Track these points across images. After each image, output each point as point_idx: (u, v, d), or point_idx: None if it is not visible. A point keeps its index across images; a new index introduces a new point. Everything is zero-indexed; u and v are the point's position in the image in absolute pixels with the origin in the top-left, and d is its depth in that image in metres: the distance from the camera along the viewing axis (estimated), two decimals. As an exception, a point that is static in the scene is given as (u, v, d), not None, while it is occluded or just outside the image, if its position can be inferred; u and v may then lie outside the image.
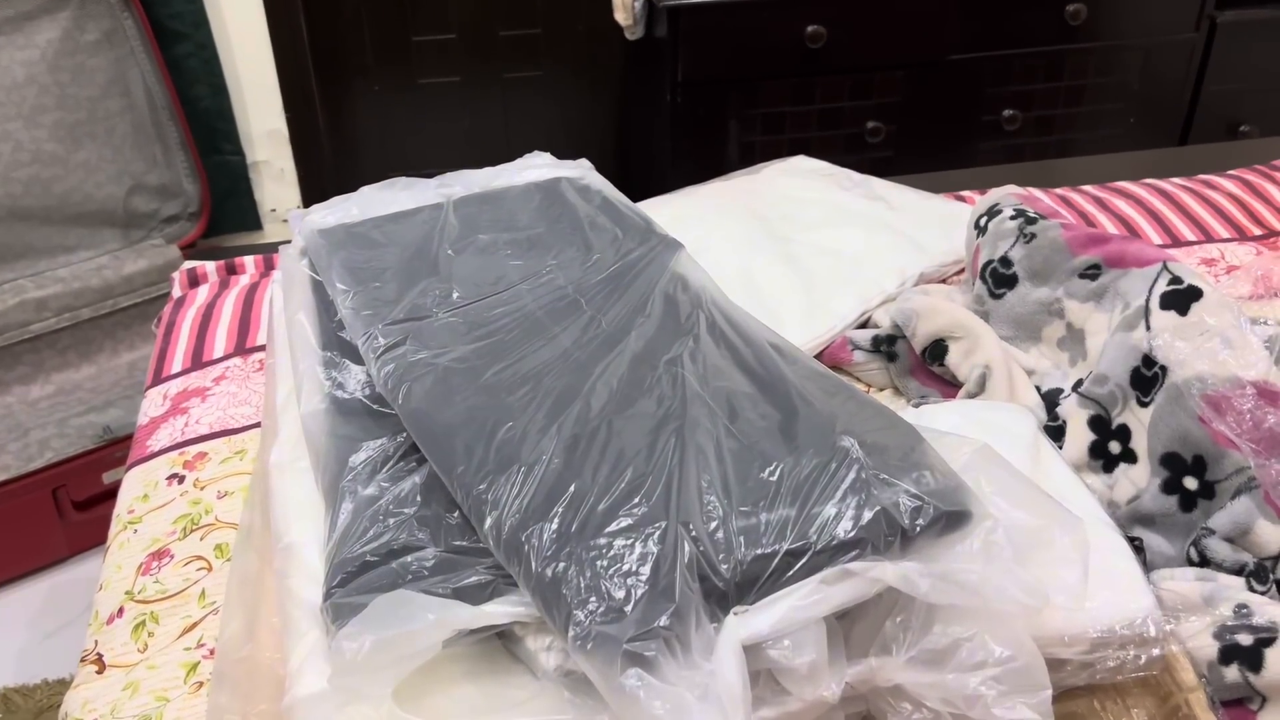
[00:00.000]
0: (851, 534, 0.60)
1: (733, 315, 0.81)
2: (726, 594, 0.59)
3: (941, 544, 0.61)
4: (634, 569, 0.59)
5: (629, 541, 0.60)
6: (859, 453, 0.65)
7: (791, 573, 0.59)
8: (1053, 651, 0.65)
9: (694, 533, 0.60)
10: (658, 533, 0.60)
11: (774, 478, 0.64)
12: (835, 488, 0.63)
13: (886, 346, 0.99)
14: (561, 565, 0.60)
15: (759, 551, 0.60)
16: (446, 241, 0.92)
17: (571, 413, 0.70)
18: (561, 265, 0.89)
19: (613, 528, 0.61)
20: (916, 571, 0.59)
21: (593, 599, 0.58)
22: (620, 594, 0.58)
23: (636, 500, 0.63)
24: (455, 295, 0.85)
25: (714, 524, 0.61)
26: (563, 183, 1.03)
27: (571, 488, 0.64)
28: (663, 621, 0.56)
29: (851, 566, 0.59)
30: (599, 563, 0.59)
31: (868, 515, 0.61)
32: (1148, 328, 0.85)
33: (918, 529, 0.61)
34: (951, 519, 0.62)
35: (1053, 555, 0.61)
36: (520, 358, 0.77)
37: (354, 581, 0.68)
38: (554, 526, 0.62)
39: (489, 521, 0.65)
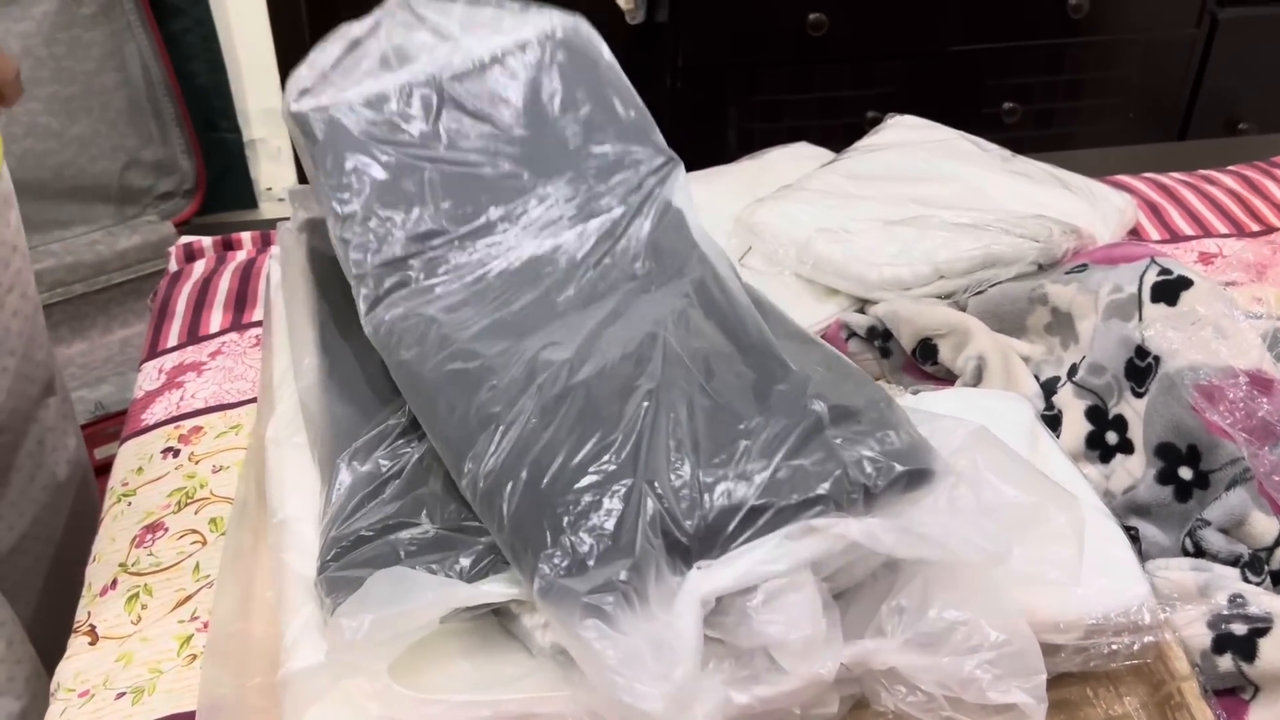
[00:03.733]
0: (816, 491, 0.62)
1: (719, 270, 0.81)
2: (690, 549, 0.60)
3: (905, 500, 0.63)
4: (599, 524, 0.60)
5: (596, 498, 0.62)
6: (828, 414, 0.66)
7: (755, 529, 0.61)
8: (1047, 637, 0.65)
9: (659, 490, 0.62)
10: (623, 490, 0.62)
11: (743, 437, 0.65)
12: (802, 447, 0.64)
13: (880, 342, 0.99)
14: (531, 519, 0.62)
15: (723, 507, 0.61)
16: (440, 147, 0.87)
17: (551, 371, 0.71)
18: (553, 201, 0.86)
19: (581, 484, 0.63)
20: (880, 527, 0.61)
21: (558, 552, 0.60)
22: (584, 548, 0.60)
23: (606, 458, 0.64)
24: (444, 230, 0.82)
25: (680, 482, 0.63)
26: (554, 66, 0.92)
27: (546, 445, 0.66)
28: (621, 576, 0.58)
29: (815, 523, 0.61)
30: (566, 518, 0.61)
31: (833, 473, 0.63)
32: (1140, 319, 0.85)
33: (881, 486, 0.62)
34: (914, 477, 0.63)
35: (1048, 532, 0.62)
36: (505, 309, 0.77)
37: (348, 555, 0.68)
38: (525, 482, 0.64)
39: (467, 477, 0.67)
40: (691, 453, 0.64)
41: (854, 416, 0.66)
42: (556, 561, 0.59)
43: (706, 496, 0.62)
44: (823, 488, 0.62)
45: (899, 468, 0.63)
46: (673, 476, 0.63)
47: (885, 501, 0.63)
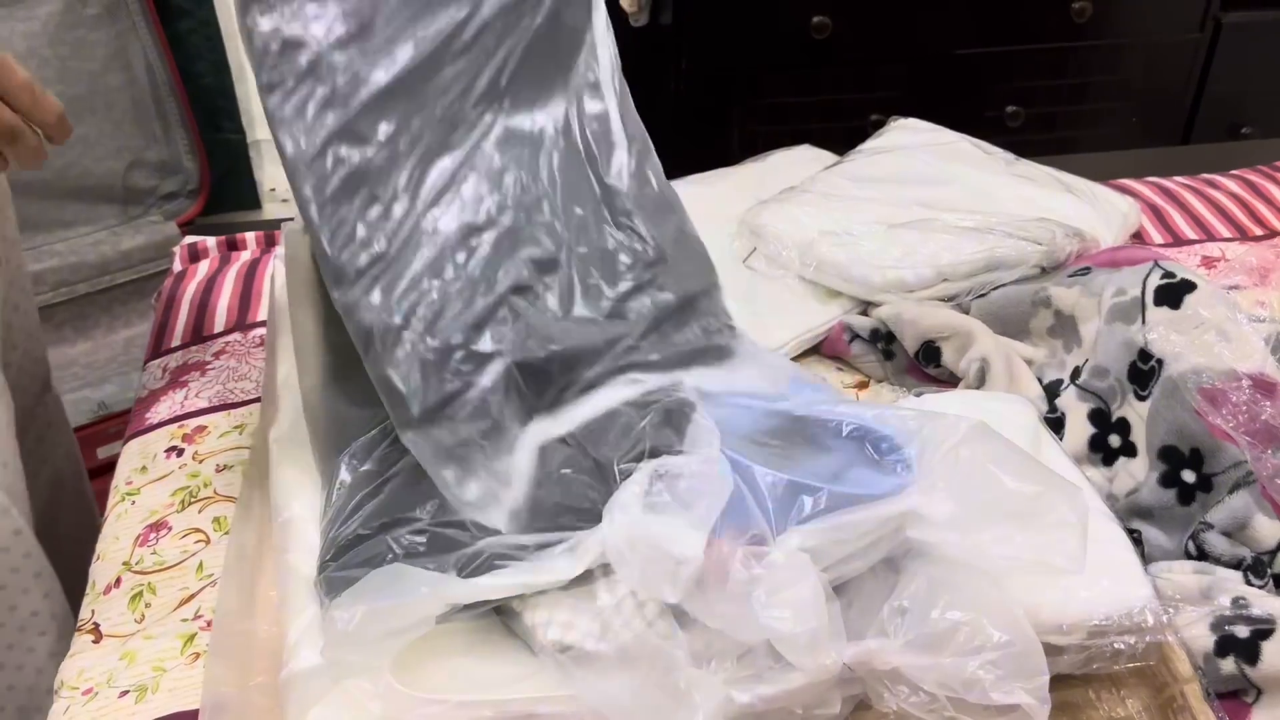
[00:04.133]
0: (645, 358, 0.76)
1: (601, 105, 0.87)
2: (535, 407, 0.74)
3: (713, 364, 0.79)
4: (464, 386, 0.72)
5: (468, 362, 0.73)
6: (673, 301, 0.80)
7: (591, 388, 0.75)
8: (1050, 638, 0.65)
9: (519, 358, 0.74)
10: (493, 360, 0.73)
11: (597, 316, 0.78)
12: (641, 326, 0.78)
13: (884, 344, 0.99)
14: (403, 375, 0.72)
15: (565, 372, 0.74)
16: None
17: (440, 231, 0.76)
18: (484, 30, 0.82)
19: (460, 355, 0.73)
20: (687, 376, 0.76)
21: (430, 403, 0.71)
22: (451, 407, 0.72)
23: (486, 329, 0.74)
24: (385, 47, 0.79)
25: (542, 351, 0.74)
26: None
27: (429, 302, 0.74)
28: (480, 427, 0.71)
29: (635, 375, 0.76)
30: (440, 386, 0.72)
31: (659, 348, 0.78)
32: (1143, 322, 0.85)
33: (693, 356, 0.78)
34: (719, 351, 0.80)
35: (1053, 520, 0.62)
36: (422, 171, 0.78)
37: (347, 555, 0.68)
38: (409, 339, 0.73)
39: (352, 318, 0.74)
40: (559, 326, 0.76)
41: (689, 305, 0.81)
42: (427, 410, 0.71)
43: (554, 366, 0.74)
44: (653, 356, 0.77)
45: (709, 343, 0.80)
46: (540, 345, 0.74)
47: (696, 368, 0.78)
